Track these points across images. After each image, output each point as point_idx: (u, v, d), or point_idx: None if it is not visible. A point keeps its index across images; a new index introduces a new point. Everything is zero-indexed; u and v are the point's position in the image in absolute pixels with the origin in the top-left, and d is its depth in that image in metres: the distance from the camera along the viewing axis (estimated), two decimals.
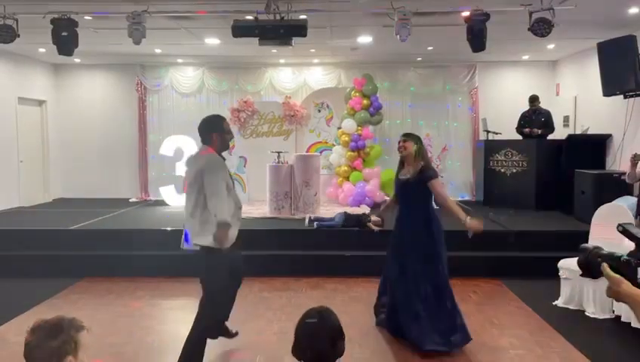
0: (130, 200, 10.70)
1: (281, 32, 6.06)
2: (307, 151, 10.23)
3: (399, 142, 4.79)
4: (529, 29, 5.98)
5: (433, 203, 4.80)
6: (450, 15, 6.40)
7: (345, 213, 7.63)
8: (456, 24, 6.50)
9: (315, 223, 7.59)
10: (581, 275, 1.86)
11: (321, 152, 10.29)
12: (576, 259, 1.86)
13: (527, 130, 9.21)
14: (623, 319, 4.96)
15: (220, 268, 3.99)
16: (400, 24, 5.82)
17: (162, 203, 10.02)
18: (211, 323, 4.19)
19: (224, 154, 4.22)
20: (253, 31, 6.08)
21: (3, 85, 9.65)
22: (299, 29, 6.08)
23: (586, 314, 5.35)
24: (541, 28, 5.82)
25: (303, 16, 6.45)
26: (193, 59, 10.76)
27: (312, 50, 9.55)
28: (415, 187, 4.61)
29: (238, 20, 6.18)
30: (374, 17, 6.59)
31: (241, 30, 6.10)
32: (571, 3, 5.87)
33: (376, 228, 7.25)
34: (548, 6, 5.83)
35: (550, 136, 9.27)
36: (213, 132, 4.10)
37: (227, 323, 4.65)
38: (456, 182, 10.89)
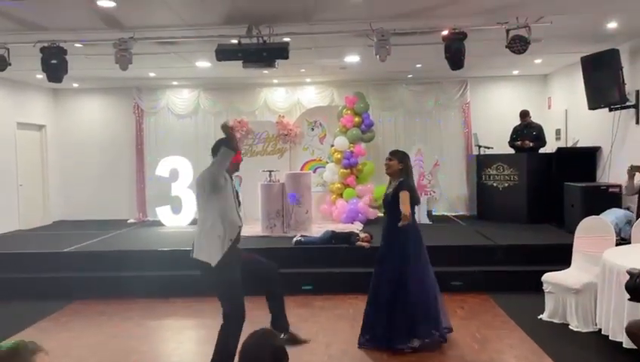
0: (128, 221, 10.84)
1: (263, 55, 6.23)
2: (302, 169, 10.34)
3: (385, 161, 5.00)
4: (506, 47, 6.09)
5: (416, 217, 4.92)
6: (430, 34, 6.51)
7: (332, 231, 7.69)
8: (437, 43, 6.61)
9: (294, 240, 7.67)
10: (629, 299, 1.84)
11: (315, 170, 10.40)
12: (624, 283, 1.83)
13: (518, 142, 9.31)
14: (603, 332, 4.96)
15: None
16: (378, 44, 5.96)
17: (159, 223, 10.15)
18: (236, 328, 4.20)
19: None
20: (236, 54, 6.25)
21: (2, 111, 9.87)
22: (281, 52, 6.25)
23: (570, 327, 5.36)
24: (518, 45, 5.93)
25: (286, 39, 6.63)
26: (188, 82, 10.94)
27: (303, 70, 9.70)
28: (393, 201, 4.74)
29: (221, 45, 6.35)
30: (356, 38, 6.72)
31: (224, 54, 6.27)
32: (547, 20, 5.97)
33: (366, 245, 7.37)
34: (524, 24, 5.94)
35: (541, 150, 9.32)
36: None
37: None
38: (450, 196, 10.93)
